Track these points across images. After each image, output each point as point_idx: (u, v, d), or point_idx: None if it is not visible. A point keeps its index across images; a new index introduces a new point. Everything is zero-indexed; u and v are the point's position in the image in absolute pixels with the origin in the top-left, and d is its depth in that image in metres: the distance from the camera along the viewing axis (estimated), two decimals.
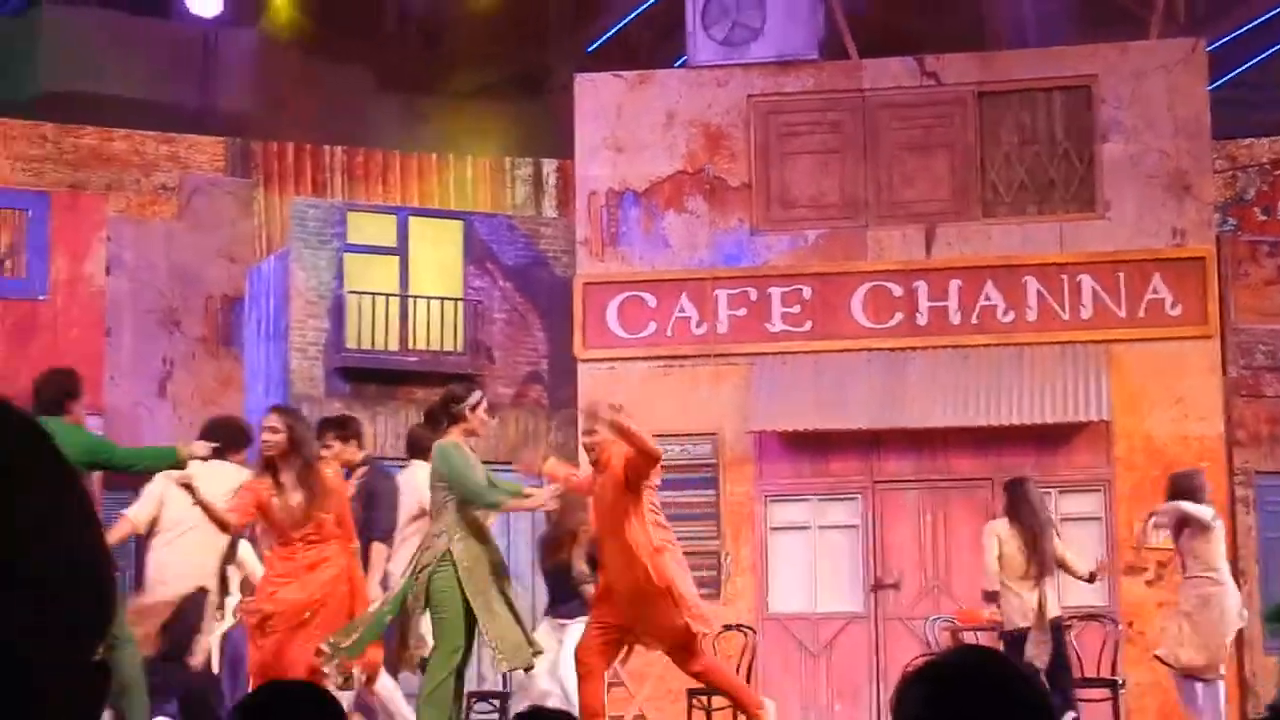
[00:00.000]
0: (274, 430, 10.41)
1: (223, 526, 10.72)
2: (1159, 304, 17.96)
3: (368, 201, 21.63)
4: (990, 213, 18.49)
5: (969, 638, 14.86)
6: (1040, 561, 13.53)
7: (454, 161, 22.80)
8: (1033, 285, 18.12)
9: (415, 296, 19.67)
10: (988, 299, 18.16)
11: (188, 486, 10.52)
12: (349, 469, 11.76)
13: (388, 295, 19.59)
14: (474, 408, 10.34)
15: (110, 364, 19.61)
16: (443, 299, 19.75)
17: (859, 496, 17.97)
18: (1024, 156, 18.55)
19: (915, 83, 18.71)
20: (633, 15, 24.57)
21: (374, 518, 11.74)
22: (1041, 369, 17.80)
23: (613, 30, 24.42)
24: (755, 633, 16.26)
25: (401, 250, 19.79)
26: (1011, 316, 18.11)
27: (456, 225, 20.22)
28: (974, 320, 18.14)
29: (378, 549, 11.71)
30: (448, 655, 10.18)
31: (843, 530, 18.03)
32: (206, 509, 10.58)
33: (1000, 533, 13.68)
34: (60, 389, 10.21)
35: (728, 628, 16.06)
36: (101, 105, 22.74)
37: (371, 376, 19.42)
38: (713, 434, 18.17)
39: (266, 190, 22.01)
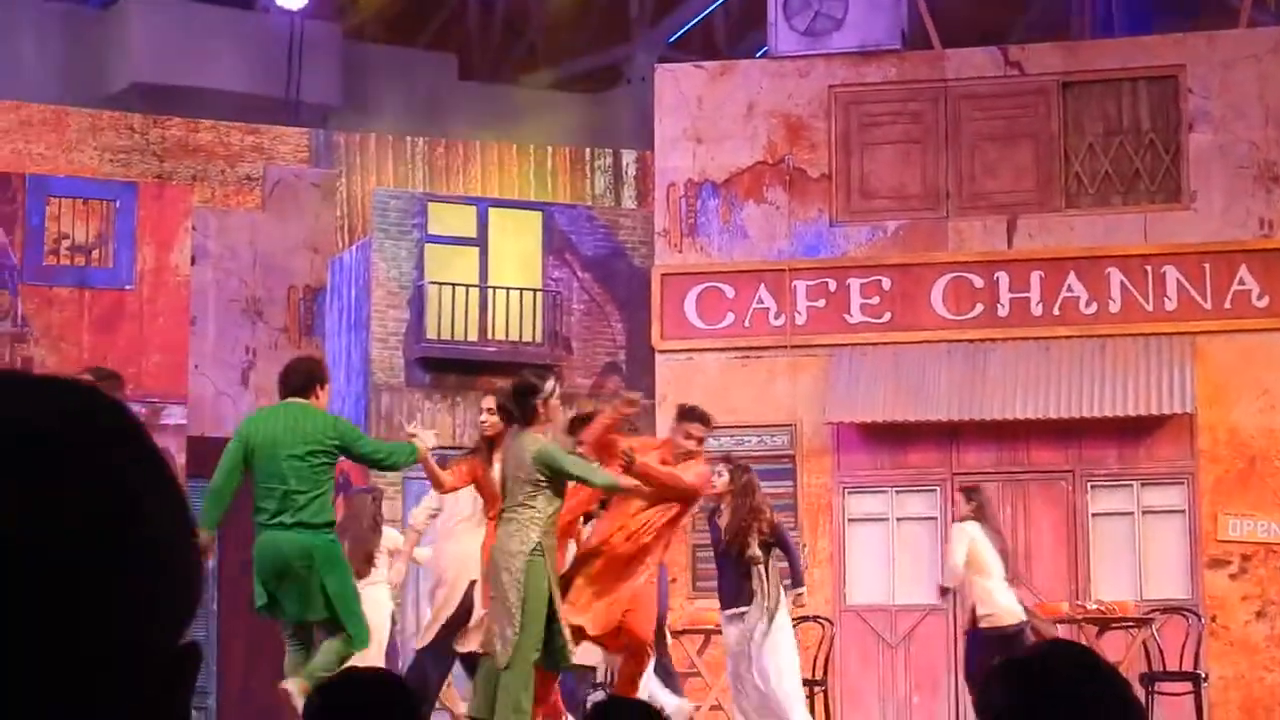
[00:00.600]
0: (490, 411, 11.07)
1: (438, 485, 11.24)
2: (1245, 295, 17.77)
3: (448, 192, 21.69)
4: (1073, 204, 18.35)
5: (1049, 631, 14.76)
6: (1008, 562, 13.78)
7: (534, 152, 22.84)
8: (1116, 277, 17.97)
9: (495, 287, 19.76)
10: (1070, 290, 18.02)
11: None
12: None
13: (467, 286, 19.68)
14: (546, 400, 10.38)
15: (194, 353, 19.78)
16: (522, 289, 19.82)
17: (938, 488, 17.88)
18: (1108, 147, 18.40)
19: (999, 73, 18.59)
20: (714, 6, 24.56)
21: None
22: (1124, 361, 17.65)
23: (694, 21, 24.43)
24: (833, 624, 16.22)
25: (481, 241, 19.88)
26: (1094, 308, 17.96)
27: (536, 216, 20.29)
28: (1056, 312, 18.01)
29: None
30: (531, 650, 10.18)
31: (921, 522, 17.96)
32: (427, 466, 10.95)
33: (975, 534, 13.73)
34: (310, 376, 10.54)
35: (805, 619, 16.03)
36: (188, 97, 22.93)
37: (451, 366, 19.51)
38: (790, 425, 18.12)
39: (349, 181, 22.13)
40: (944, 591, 14.08)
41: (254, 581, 10.19)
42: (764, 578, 12.44)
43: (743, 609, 12.56)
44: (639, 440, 11.27)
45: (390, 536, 13.95)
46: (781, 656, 12.64)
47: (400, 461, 10.74)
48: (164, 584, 1.25)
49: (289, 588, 10.11)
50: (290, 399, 10.35)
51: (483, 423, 11.08)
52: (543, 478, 10.19)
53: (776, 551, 12.82)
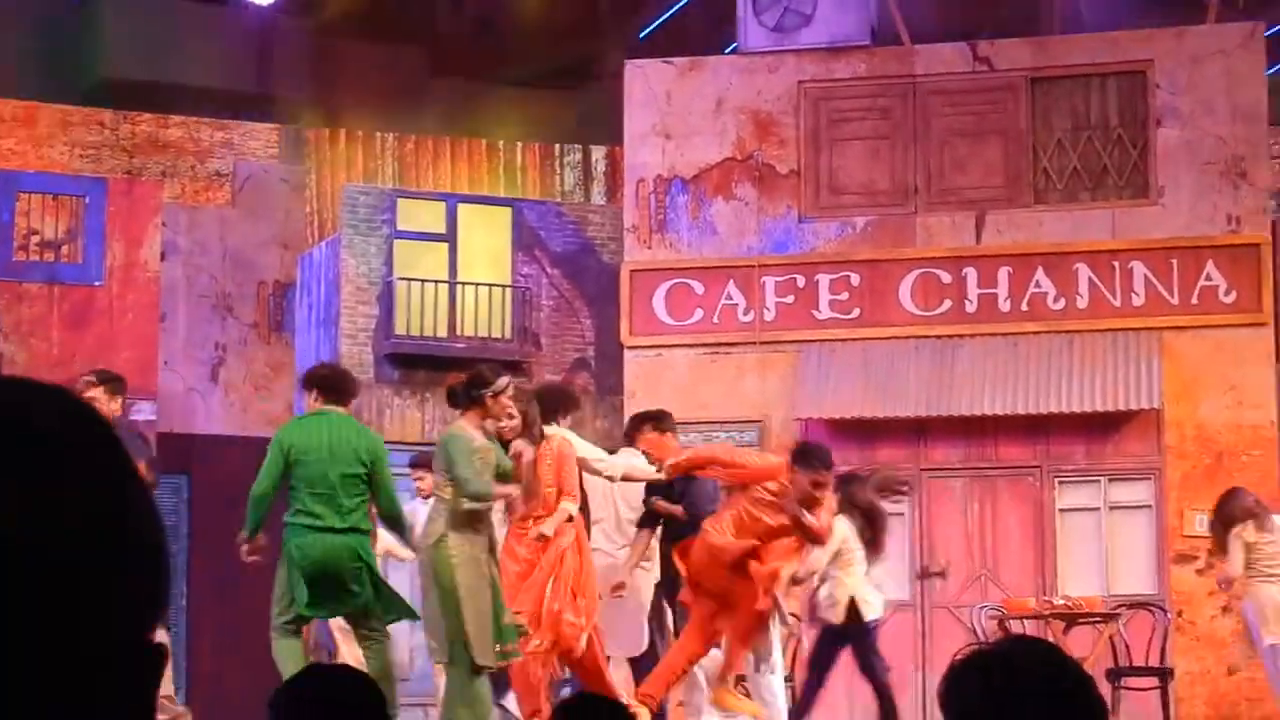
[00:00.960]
0: (510, 416, 10.76)
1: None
2: (1212, 291, 17.82)
3: (418, 188, 21.69)
4: (1042, 199, 18.38)
5: (1016, 626, 14.80)
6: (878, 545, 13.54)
7: (504, 148, 22.82)
8: (1084, 272, 18.00)
9: (464, 283, 19.75)
10: (1038, 286, 18.06)
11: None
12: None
13: (437, 282, 19.67)
14: (497, 395, 10.37)
15: (164, 349, 19.77)
16: (491, 286, 19.82)
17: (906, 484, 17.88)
18: (1076, 143, 18.43)
19: (968, 68, 18.62)
20: (684, 2, 24.53)
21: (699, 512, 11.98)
22: (1092, 356, 17.69)
23: (664, 17, 24.39)
24: (801, 620, 16.22)
25: (451, 237, 19.87)
26: (1062, 304, 18.00)
27: (505, 212, 20.29)
28: (1024, 307, 18.05)
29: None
30: (459, 637, 10.14)
31: (890, 518, 17.91)
32: None
33: (843, 531, 13.53)
34: (349, 386, 10.89)
35: None
36: (158, 92, 22.89)
37: (420, 363, 19.47)
38: (759, 421, 18.14)
39: (319, 177, 22.09)
40: (795, 583, 13.99)
41: (298, 582, 10.38)
42: None
43: None
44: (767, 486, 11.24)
45: (384, 540, 13.93)
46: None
47: (397, 513, 10.83)
48: (157, 583, 1.27)
49: (328, 588, 10.37)
50: (331, 409, 10.56)
51: (501, 426, 10.82)
52: (447, 467, 10.25)
53: None
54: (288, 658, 10.35)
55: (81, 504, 1.22)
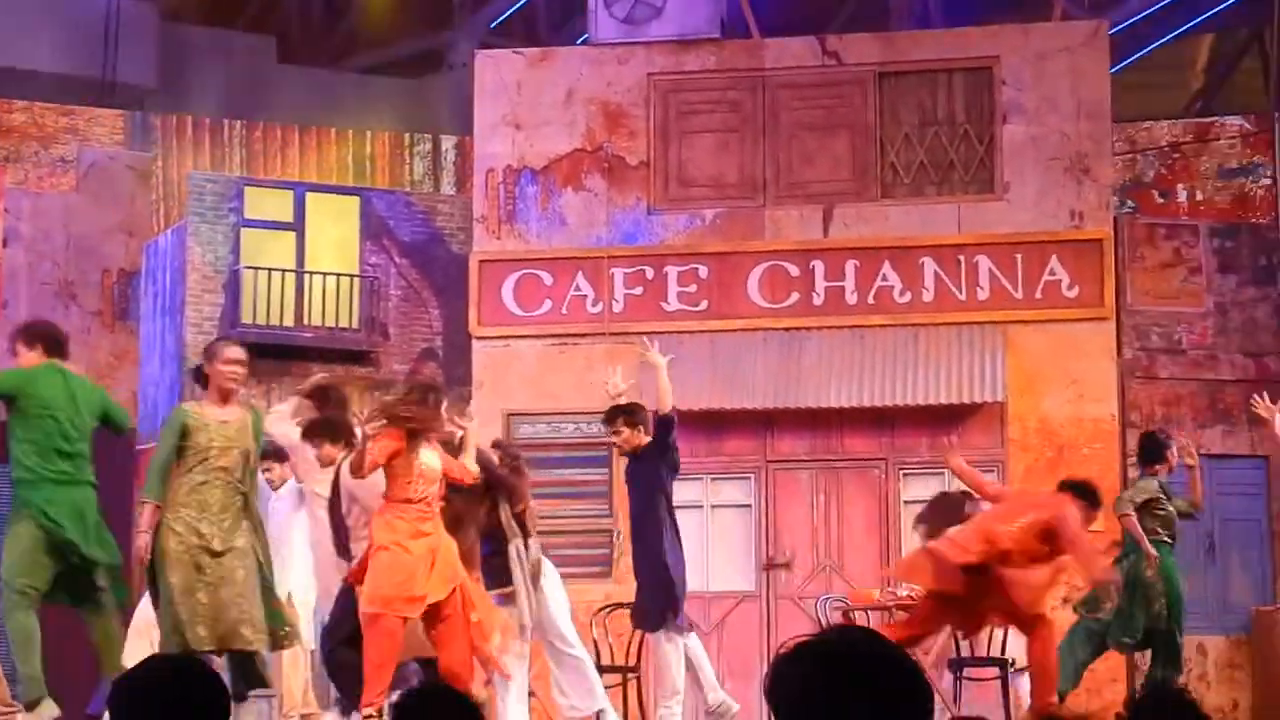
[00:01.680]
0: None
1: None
2: (1055, 285, 18.02)
3: (266, 176, 21.52)
4: (889, 193, 18.51)
5: (860, 618, 14.89)
6: None
7: (353, 137, 22.68)
8: (930, 266, 18.15)
9: (311, 272, 19.62)
10: (884, 279, 18.18)
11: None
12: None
13: (284, 271, 19.53)
14: (211, 360, 10.25)
15: (5, 336, 19.43)
16: (339, 275, 19.70)
17: (752, 476, 17.99)
18: (923, 138, 18.57)
19: (816, 62, 18.71)
20: None
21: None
22: (937, 350, 17.85)
23: (515, 7, 24.34)
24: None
25: (298, 226, 19.72)
26: (908, 297, 18.14)
27: (354, 201, 20.16)
28: (870, 301, 18.17)
29: None
30: (167, 622, 10.06)
31: (736, 510, 18.05)
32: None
33: None
34: (64, 341, 10.79)
35: (618, 606, 16.04)
36: (1, 76, 22.53)
37: (267, 352, 19.27)
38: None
39: (165, 164, 21.86)
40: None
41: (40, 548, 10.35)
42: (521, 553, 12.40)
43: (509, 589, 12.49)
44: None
45: None
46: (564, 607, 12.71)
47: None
48: None
49: (91, 535, 10.42)
50: (56, 360, 10.52)
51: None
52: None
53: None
54: (25, 635, 10.35)
55: None
